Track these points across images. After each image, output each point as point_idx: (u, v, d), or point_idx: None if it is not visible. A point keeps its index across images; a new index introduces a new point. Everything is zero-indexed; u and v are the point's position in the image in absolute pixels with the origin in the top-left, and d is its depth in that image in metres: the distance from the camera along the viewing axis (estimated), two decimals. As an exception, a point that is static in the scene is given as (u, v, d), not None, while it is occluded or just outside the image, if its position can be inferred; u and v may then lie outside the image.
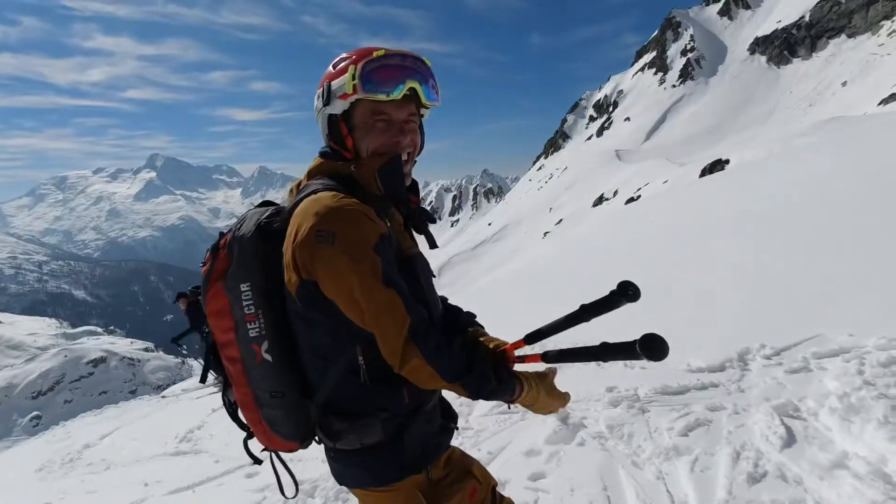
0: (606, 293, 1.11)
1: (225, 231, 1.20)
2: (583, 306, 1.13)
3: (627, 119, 57.71)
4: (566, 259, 11.09)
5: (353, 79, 1.10)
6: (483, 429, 3.43)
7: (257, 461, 1.35)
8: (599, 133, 61.07)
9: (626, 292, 1.09)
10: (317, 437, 1.22)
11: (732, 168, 16.17)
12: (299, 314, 1.10)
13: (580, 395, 3.84)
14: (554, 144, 73.20)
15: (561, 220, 25.33)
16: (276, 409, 1.15)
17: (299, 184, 1.21)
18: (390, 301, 1.02)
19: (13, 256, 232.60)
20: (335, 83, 1.14)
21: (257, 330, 1.11)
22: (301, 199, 1.09)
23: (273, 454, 1.34)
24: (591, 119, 71.31)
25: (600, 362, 1.33)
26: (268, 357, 1.12)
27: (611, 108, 66.47)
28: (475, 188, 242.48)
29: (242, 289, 1.10)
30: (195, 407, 6.45)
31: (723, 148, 25.70)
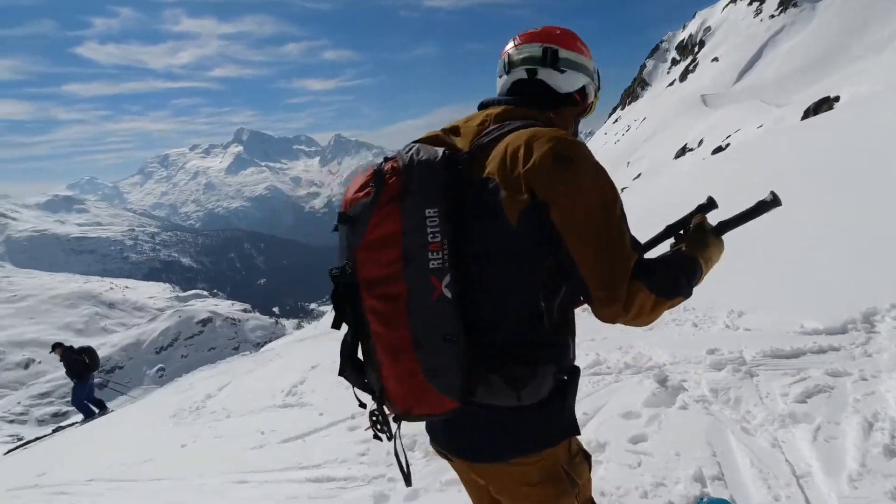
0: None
1: (382, 161, 1.08)
2: (667, 227, 1.29)
3: (715, 59, 52.07)
4: (646, 215, 10.48)
5: (598, 76, 1.32)
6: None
7: (383, 431, 1.16)
8: (683, 77, 55.83)
9: (703, 207, 1.26)
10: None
11: (843, 106, 14.14)
12: (494, 247, 1.03)
13: (678, 356, 3.68)
14: (631, 94, 68.15)
15: (640, 175, 23.64)
16: (446, 355, 1.01)
17: (454, 129, 1.17)
18: (623, 235, 1.01)
19: (131, 229, 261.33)
20: (574, 56, 1.24)
21: (440, 261, 0.99)
22: (504, 133, 1.08)
23: (397, 438, 1.15)
24: (674, 62, 65.20)
25: (746, 222, 1.29)
26: (447, 293, 1.00)
27: (696, 49, 60.24)
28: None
29: (428, 213, 1.00)
30: (295, 364, 6.99)
31: (830, 84, 22.41)
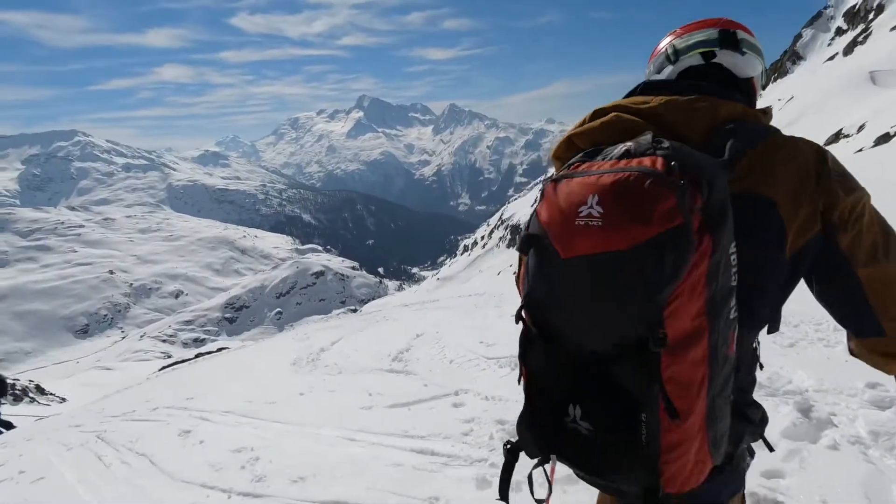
0: None
1: (614, 151, 0.86)
2: None
3: (895, 29, 43.12)
4: None
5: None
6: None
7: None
8: (848, 50, 46.96)
9: None
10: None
11: None
12: (765, 281, 0.92)
13: (826, 384, 3.22)
14: (778, 68, 59.06)
15: None
16: (726, 419, 0.86)
17: (637, 112, 0.96)
18: None
19: (263, 185, 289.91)
20: (750, 38, 1.11)
21: (736, 308, 0.83)
22: (761, 138, 0.93)
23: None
24: (839, 32, 55.04)
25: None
26: (733, 348, 0.85)
27: (871, 16, 50.27)
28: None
29: (731, 250, 0.81)
30: (402, 330, 7.32)
31: None
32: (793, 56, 60.19)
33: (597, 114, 0.99)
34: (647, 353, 0.75)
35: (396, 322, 8.58)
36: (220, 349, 23.01)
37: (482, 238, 71.87)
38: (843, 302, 0.96)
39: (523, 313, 0.89)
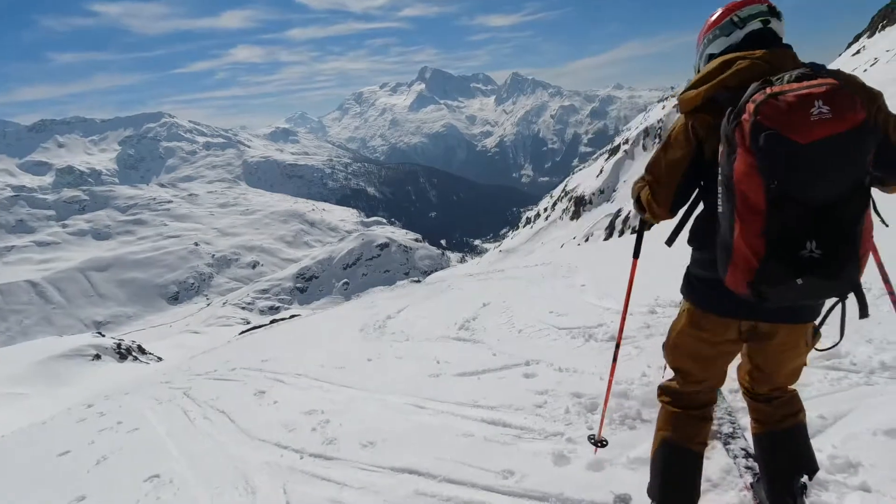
0: None
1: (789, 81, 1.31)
2: None
3: None
4: None
5: None
6: (808, 384, 2.72)
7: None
8: None
9: None
10: None
11: None
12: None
13: None
14: (888, 15, 51.24)
15: None
16: None
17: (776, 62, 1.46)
18: None
19: (329, 159, 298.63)
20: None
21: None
22: (837, 77, 1.33)
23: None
24: None
25: None
26: None
27: None
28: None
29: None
30: (468, 299, 7.19)
31: None
32: (907, 2, 51.95)
33: (726, 63, 1.48)
34: (865, 187, 1.28)
35: (461, 291, 8.47)
36: (292, 316, 24.23)
37: (545, 210, 70.11)
38: None
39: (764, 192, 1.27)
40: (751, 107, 1.27)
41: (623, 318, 2.30)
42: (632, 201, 1.93)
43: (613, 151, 62.82)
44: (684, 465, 1.80)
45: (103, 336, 27.81)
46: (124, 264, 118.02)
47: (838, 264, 1.25)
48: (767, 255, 1.27)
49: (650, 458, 1.91)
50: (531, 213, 78.12)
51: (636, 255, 2.21)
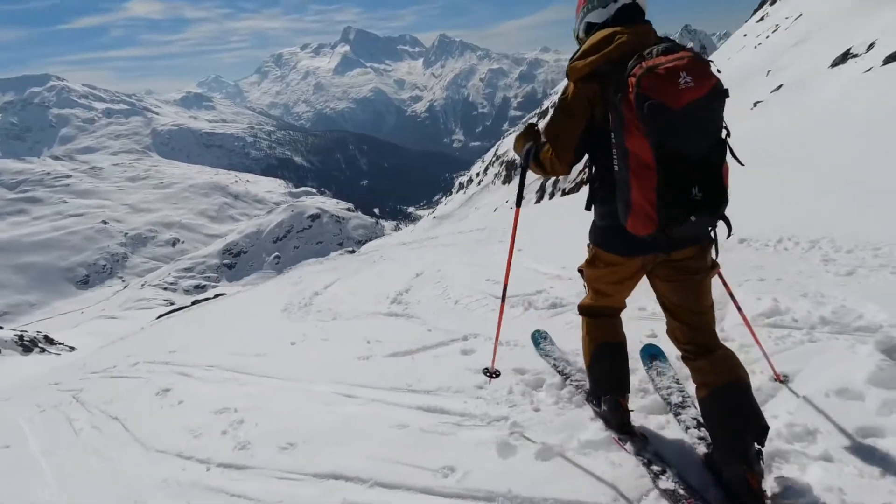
0: None
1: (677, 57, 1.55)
2: None
3: None
4: (788, 141, 8.37)
5: None
6: (751, 344, 2.58)
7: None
8: None
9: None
10: None
11: None
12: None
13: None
14: None
15: (780, 86, 18.98)
16: None
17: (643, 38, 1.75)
18: None
19: (251, 127, 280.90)
20: None
21: None
22: (690, 50, 1.65)
23: None
24: None
25: None
26: None
27: None
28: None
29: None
30: (400, 269, 6.79)
31: None
32: (806, -33, 55.89)
33: (607, 38, 1.71)
34: (725, 140, 1.63)
35: (394, 262, 8.04)
36: (216, 296, 22.74)
37: (477, 175, 70.41)
38: None
39: (652, 148, 1.54)
40: (633, 80, 1.53)
41: (508, 264, 2.54)
42: (518, 157, 2.14)
43: (542, 115, 63.70)
44: (614, 354, 2.17)
45: (1, 328, 24.84)
46: (19, 248, 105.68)
47: (716, 201, 1.59)
48: (664, 203, 1.55)
49: (586, 366, 2.27)
50: (464, 179, 78.21)
51: (518, 203, 2.39)
